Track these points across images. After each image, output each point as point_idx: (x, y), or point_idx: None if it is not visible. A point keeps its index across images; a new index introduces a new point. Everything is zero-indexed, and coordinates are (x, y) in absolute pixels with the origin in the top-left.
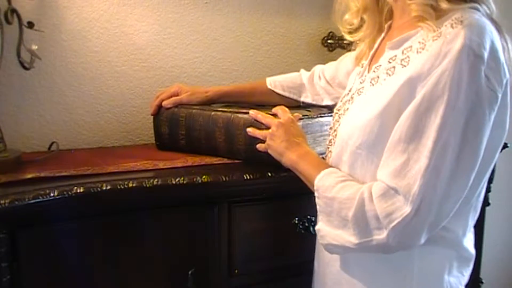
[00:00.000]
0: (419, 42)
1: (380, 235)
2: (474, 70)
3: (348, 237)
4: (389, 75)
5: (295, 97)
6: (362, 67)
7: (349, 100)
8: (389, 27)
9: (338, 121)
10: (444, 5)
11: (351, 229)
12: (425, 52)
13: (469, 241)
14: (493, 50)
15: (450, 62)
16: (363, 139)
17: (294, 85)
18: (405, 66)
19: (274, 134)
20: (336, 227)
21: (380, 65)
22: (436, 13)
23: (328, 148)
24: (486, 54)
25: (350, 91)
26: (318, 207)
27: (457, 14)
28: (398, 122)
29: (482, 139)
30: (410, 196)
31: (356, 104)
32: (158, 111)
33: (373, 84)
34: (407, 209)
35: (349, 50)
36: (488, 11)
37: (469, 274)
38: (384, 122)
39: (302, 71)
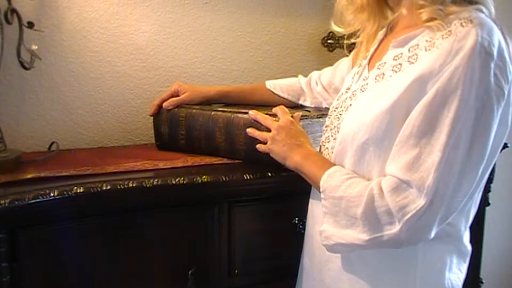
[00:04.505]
0: (427, 41)
1: (392, 230)
2: (485, 67)
3: (357, 235)
4: (396, 71)
5: (294, 99)
6: (360, 66)
7: (350, 97)
8: (391, 28)
9: (338, 118)
10: (451, 9)
11: (361, 227)
12: (435, 50)
13: (467, 237)
14: (500, 49)
15: (463, 59)
16: (370, 134)
17: (293, 88)
18: (412, 63)
19: (275, 138)
20: (343, 226)
21: (384, 63)
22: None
23: (324, 145)
24: (495, 52)
25: (349, 89)
26: (324, 208)
27: (465, 14)
28: (409, 117)
29: (490, 134)
30: (424, 189)
31: (361, 100)
32: (158, 111)
33: (378, 81)
34: (421, 202)
35: (350, 51)
36: (488, 14)
37: (466, 271)
38: (392, 117)
39: (300, 76)
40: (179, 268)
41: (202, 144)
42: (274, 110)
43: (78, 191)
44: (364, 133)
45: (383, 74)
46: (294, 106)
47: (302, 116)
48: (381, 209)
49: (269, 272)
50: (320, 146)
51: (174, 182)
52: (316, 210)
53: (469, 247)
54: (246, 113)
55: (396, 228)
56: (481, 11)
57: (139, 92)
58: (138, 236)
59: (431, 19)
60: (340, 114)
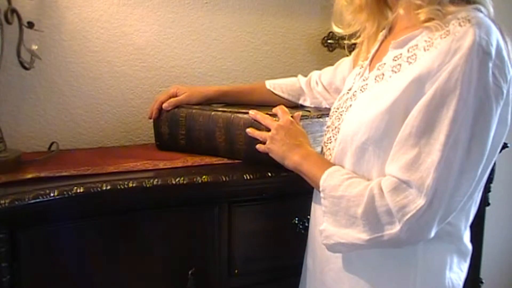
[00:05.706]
0: (426, 41)
1: (392, 230)
2: (483, 66)
3: (357, 234)
4: (395, 72)
5: (293, 99)
6: (361, 67)
7: (350, 98)
8: (390, 29)
9: (339, 119)
10: (449, 9)
11: (361, 226)
12: (433, 49)
13: (467, 236)
14: (498, 48)
15: (462, 58)
16: (369, 134)
17: (293, 87)
18: (411, 63)
19: (274, 138)
20: (343, 226)
21: (384, 63)
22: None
23: (326, 146)
24: (493, 52)
25: (350, 89)
26: (323, 208)
27: (463, 14)
28: (408, 117)
29: (489, 133)
30: (424, 189)
31: (360, 101)
32: (159, 114)
33: (378, 81)
34: (420, 202)
35: (350, 51)
36: (487, 13)
37: (467, 270)
38: (391, 117)
39: (300, 76)
40: (179, 268)
41: (202, 144)
42: (274, 110)
43: (78, 191)
44: (363, 133)
45: (383, 74)
46: (294, 106)
47: (302, 116)
48: (381, 209)
49: (269, 272)
50: (322, 147)
51: (174, 182)
52: (318, 211)
53: (469, 246)
54: (246, 113)
55: (396, 228)
56: (480, 10)
57: (139, 92)
58: (138, 236)
59: (429, 20)
60: (341, 114)
